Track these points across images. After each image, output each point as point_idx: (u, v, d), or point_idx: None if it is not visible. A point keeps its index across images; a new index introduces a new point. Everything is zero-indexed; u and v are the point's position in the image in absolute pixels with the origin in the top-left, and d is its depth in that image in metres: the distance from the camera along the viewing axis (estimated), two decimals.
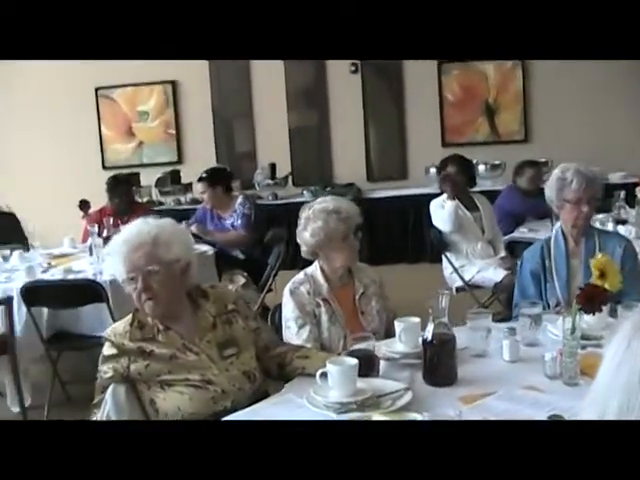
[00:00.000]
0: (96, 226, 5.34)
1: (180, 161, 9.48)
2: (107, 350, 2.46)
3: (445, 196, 5.39)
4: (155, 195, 8.84)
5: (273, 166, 8.60)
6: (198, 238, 5.60)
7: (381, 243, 8.20)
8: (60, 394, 4.59)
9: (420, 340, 2.44)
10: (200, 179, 5.98)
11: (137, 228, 2.47)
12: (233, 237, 5.81)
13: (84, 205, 5.94)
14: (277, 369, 2.61)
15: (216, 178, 5.91)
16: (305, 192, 8.42)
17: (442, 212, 5.32)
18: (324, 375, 2.21)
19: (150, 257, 2.40)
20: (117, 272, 2.46)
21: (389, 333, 2.97)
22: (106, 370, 2.45)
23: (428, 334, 2.35)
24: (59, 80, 9.40)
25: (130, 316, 2.50)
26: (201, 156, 9.08)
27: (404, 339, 2.58)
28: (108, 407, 2.37)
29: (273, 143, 9.13)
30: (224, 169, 6.39)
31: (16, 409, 4.57)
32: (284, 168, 8.82)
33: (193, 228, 5.70)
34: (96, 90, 9.51)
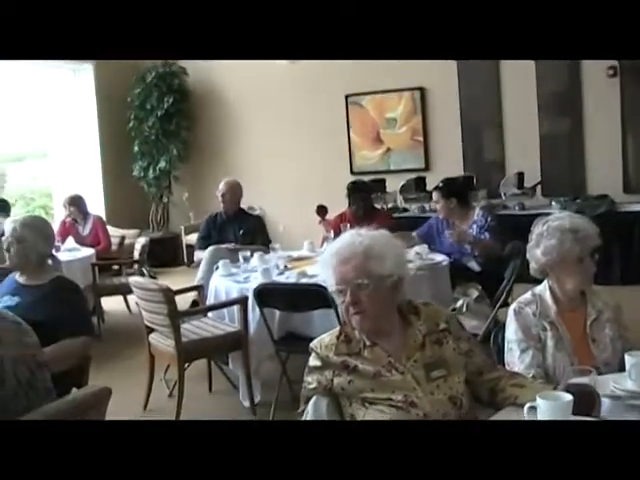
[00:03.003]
0: (332, 231, 5.42)
1: (427, 168, 9.43)
2: (312, 361, 2.43)
3: None
4: (399, 201, 8.86)
5: (520, 175, 8.28)
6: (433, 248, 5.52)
7: (636, 260, 7.61)
8: (287, 393, 4.68)
9: None
10: (435, 188, 5.87)
11: (349, 239, 2.40)
12: (487, 247, 5.57)
13: (321, 210, 6.05)
14: (488, 395, 2.44)
15: (451, 190, 5.74)
16: (554, 203, 8.02)
17: None
18: (533, 409, 2.02)
19: (360, 270, 2.32)
20: (328, 283, 2.42)
21: (623, 366, 2.70)
22: (310, 381, 2.42)
23: None
24: (312, 86, 9.75)
25: (338, 329, 2.46)
26: (448, 164, 8.99)
27: (634, 376, 2.31)
28: (309, 418, 2.34)
29: (523, 151, 8.80)
30: (461, 180, 6.19)
31: (247, 404, 4.76)
32: (533, 177, 8.46)
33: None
34: (346, 97, 9.73)
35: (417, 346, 2.38)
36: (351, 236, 2.42)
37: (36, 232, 3.62)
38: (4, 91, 9.73)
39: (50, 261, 3.74)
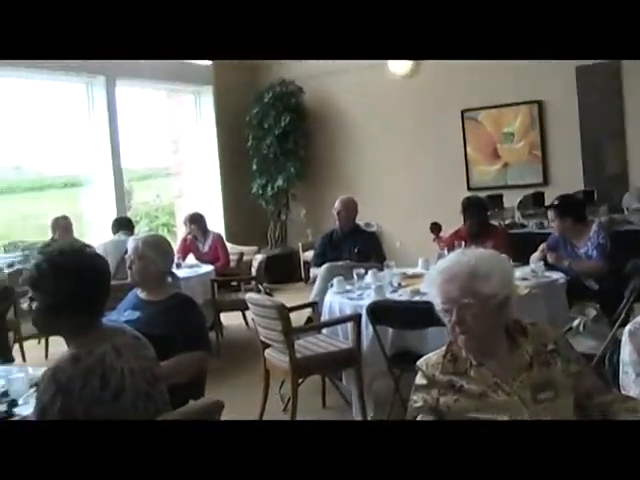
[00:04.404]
0: (446, 249, 5.38)
1: (545, 183, 9.25)
2: (419, 380, 2.44)
3: None
4: (517, 217, 8.71)
5: None
6: (551, 267, 5.41)
7: None
8: (401, 411, 4.66)
9: None
10: (550, 206, 5.76)
11: (455, 258, 2.41)
12: (590, 267, 5.51)
13: (435, 228, 6.03)
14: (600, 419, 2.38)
15: (566, 208, 5.64)
16: None
17: None
18: None
19: (466, 290, 2.32)
20: (434, 301, 2.43)
21: None
22: (416, 399, 2.42)
23: None
24: (428, 102, 9.76)
25: (444, 348, 2.46)
26: (567, 178, 8.80)
27: None
28: None
29: None
30: (578, 197, 6.06)
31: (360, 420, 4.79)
32: None
33: (549, 256, 5.52)
34: (462, 112, 9.67)
35: (524, 367, 2.35)
36: (457, 255, 2.43)
37: (157, 250, 3.78)
38: (132, 113, 10.19)
39: (170, 278, 3.90)
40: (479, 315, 2.31)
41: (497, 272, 2.37)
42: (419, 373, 2.45)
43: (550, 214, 5.73)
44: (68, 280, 2.43)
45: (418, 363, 2.47)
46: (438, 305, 2.40)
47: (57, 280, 2.42)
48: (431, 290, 2.42)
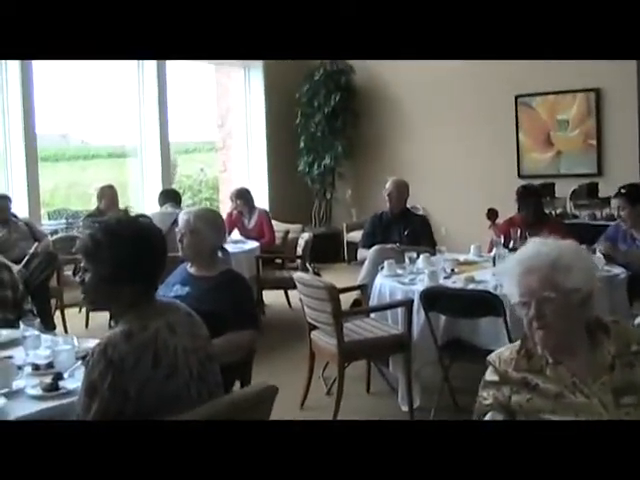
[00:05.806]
0: (502, 236, 5.22)
1: (600, 173, 8.97)
2: (489, 376, 2.30)
3: None
4: (569, 207, 8.48)
5: None
6: (609, 259, 5.21)
7: None
8: (448, 400, 4.55)
9: None
10: (618, 195, 5.51)
11: (535, 249, 2.25)
12: None
13: (491, 214, 5.84)
14: None
15: (636, 196, 5.39)
16: None
17: None
18: None
19: (547, 282, 2.16)
20: (510, 293, 2.27)
21: None
22: (486, 396, 2.28)
23: None
24: (480, 86, 9.53)
25: (518, 343, 2.30)
26: (623, 169, 8.50)
27: None
28: None
29: None
30: None
31: (405, 408, 4.67)
32: None
33: (602, 247, 5.30)
34: (516, 98, 9.43)
35: (606, 368, 2.19)
36: (537, 245, 2.26)
37: (209, 225, 3.68)
38: (179, 84, 10.12)
39: (220, 253, 3.79)
40: (559, 310, 2.16)
41: (579, 266, 2.21)
42: (490, 368, 2.31)
43: (619, 202, 5.45)
44: (125, 250, 2.33)
45: (489, 358, 2.33)
46: (515, 297, 2.23)
47: (113, 249, 2.33)
48: (508, 281, 2.26)
